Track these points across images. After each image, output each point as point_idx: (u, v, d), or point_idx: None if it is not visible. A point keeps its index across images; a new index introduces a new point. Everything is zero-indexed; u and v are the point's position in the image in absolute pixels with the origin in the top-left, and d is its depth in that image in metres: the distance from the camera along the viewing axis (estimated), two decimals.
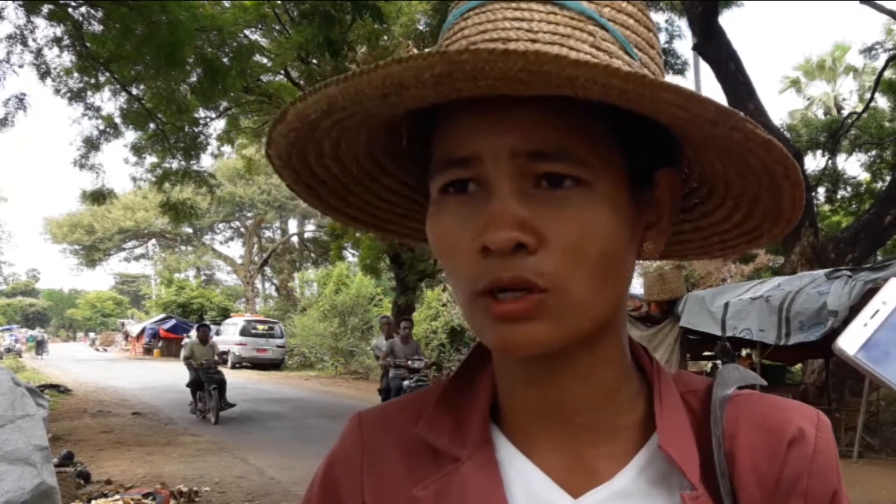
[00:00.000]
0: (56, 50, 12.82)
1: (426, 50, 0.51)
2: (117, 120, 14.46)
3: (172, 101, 12.35)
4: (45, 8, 11.45)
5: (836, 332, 7.22)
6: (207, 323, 17.40)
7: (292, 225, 47.81)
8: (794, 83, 30.00)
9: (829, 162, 17.22)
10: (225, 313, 35.17)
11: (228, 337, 27.48)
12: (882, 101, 18.08)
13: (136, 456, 9.03)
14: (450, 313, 21.94)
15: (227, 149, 19.36)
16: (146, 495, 6.47)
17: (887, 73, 15.73)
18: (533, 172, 0.53)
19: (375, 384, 20.22)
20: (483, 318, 0.55)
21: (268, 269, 47.20)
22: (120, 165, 33.83)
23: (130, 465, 8.39)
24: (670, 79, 0.60)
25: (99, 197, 15.03)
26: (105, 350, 50.03)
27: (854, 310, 7.36)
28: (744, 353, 10.34)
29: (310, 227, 41.71)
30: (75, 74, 13.57)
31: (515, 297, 0.53)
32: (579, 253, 0.53)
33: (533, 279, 0.52)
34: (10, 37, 12.24)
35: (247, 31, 14.04)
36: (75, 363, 31.58)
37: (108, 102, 18.67)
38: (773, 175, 0.55)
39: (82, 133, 14.74)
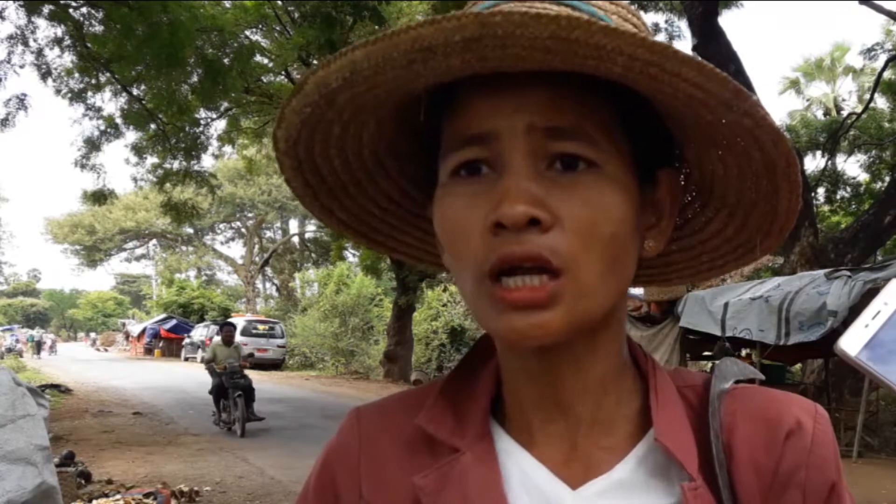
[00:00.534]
0: (57, 50, 12.88)
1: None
2: (118, 120, 14.49)
3: (173, 101, 12.34)
4: (46, 8, 11.47)
5: (835, 333, 7.23)
6: (232, 321, 15.85)
7: (293, 225, 47.88)
8: (794, 84, 29.96)
9: (829, 162, 17.25)
10: (226, 313, 35.13)
11: None
12: (881, 102, 18.12)
13: (136, 456, 9.01)
14: (450, 313, 21.96)
15: (227, 149, 19.43)
16: (147, 495, 6.45)
17: (887, 74, 15.75)
18: (548, 152, 0.54)
19: (376, 384, 20.28)
20: (491, 306, 0.54)
21: (268, 270, 47.22)
22: (121, 166, 33.80)
23: (131, 465, 8.37)
24: None
25: (100, 197, 15.06)
26: (106, 350, 50.06)
27: (854, 310, 7.36)
28: (743, 352, 10.33)
29: (311, 228, 41.65)
30: (76, 75, 13.60)
31: (531, 284, 0.52)
32: (592, 235, 0.53)
33: (547, 256, 0.52)
34: (11, 37, 12.27)
35: (248, 32, 14.07)
36: (76, 363, 31.59)
37: (109, 103, 18.64)
38: (773, 174, 0.55)
39: (83, 133, 14.80)
